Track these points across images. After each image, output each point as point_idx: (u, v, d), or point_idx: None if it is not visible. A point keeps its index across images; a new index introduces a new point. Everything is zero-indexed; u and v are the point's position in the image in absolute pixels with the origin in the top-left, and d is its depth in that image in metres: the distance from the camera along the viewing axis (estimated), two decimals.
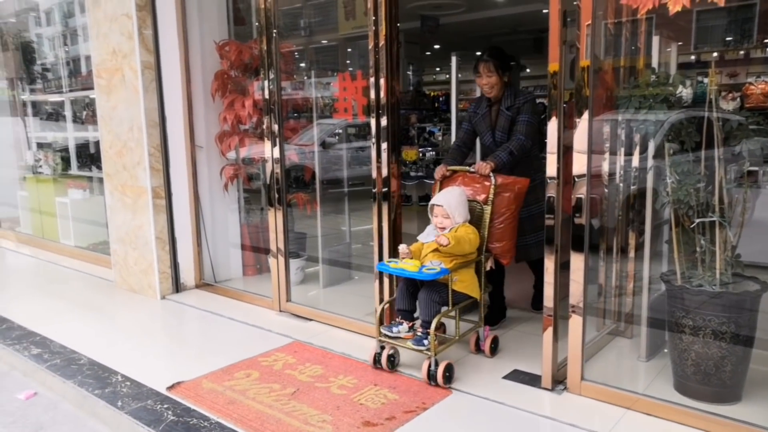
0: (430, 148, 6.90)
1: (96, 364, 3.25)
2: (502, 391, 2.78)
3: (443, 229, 3.01)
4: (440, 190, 3.30)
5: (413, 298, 3.02)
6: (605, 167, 3.24)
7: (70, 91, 6.50)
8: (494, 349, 3.21)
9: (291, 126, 4.57)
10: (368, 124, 3.40)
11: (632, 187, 3.16)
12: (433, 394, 2.75)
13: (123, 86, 4.29)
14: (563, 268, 2.75)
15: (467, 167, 3.31)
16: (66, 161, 6.45)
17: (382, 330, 2.98)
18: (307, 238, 4.81)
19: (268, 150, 3.98)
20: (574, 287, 2.68)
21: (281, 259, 3.99)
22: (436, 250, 2.98)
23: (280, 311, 4.02)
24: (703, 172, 2.60)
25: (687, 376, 2.63)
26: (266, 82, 3.89)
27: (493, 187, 3.15)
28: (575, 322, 2.68)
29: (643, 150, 3.02)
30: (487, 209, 3.15)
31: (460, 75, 4.77)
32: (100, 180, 5.20)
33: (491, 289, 3.52)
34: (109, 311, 4.23)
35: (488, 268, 3.21)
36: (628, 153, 3.09)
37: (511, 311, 3.85)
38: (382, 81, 3.33)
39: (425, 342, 2.84)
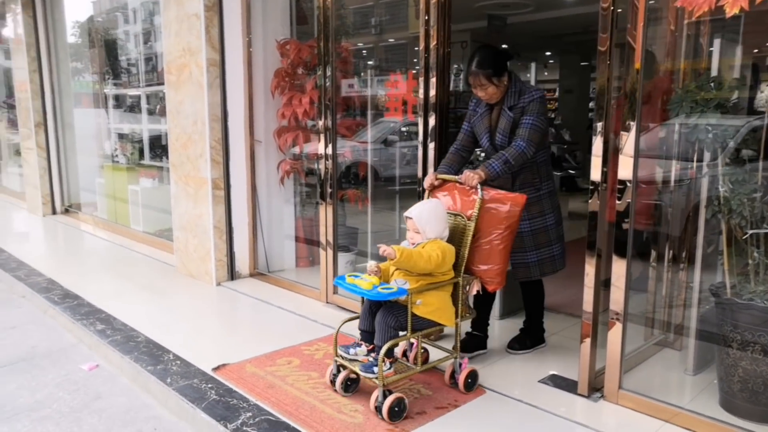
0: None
1: (152, 342, 3.46)
2: (536, 394, 2.76)
3: (414, 244, 2.68)
4: (431, 196, 2.99)
5: (374, 319, 2.69)
6: (655, 173, 3.14)
7: (147, 85, 6.89)
8: (470, 385, 2.78)
9: (347, 123, 4.68)
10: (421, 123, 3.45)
11: (685, 195, 3.05)
12: (466, 393, 2.77)
13: (190, 82, 4.52)
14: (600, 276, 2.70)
15: (457, 177, 2.87)
16: (140, 151, 6.85)
17: (339, 350, 2.71)
18: (359, 233, 4.90)
19: (321, 146, 4.09)
20: (616, 294, 2.62)
21: (330, 252, 4.09)
22: (405, 269, 2.64)
23: (327, 303, 4.14)
24: (760, 182, 2.49)
25: (733, 393, 2.52)
26: (323, 80, 4.01)
27: (478, 201, 2.72)
28: (615, 329, 2.62)
29: (698, 156, 2.91)
30: (470, 225, 2.74)
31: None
32: (168, 170, 5.50)
33: (475, 316, 3.00)
34: (169, 294, 4.48)
35: (473, 293, 2.84)
36: (682, 159, 2.99)
37: (556, 316, 3.80)
38: (432, 81, 3.37)
39: (374, 369, 2.51)
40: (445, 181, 2.95)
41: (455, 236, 2.78)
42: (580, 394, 2.73)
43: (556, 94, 14.63)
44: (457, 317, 2.74)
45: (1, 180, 10.28)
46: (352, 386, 2.76)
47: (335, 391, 2.76)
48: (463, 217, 2.79)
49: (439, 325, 2.70)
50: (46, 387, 3.11)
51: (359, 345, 2.68)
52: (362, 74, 5.53)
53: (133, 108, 7.31)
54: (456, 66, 11.03)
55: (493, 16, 9.55)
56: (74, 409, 2.87)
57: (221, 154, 4.50)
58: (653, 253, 3.29)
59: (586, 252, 2.70)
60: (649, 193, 3.17)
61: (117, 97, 7.46)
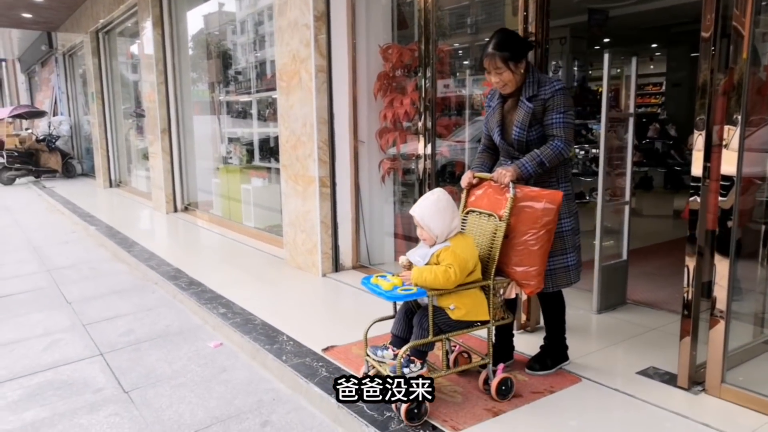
0: (587, 146, 6.75)
1: (267, 325, 3.82)
2: (634, 385, 2.79)
3: (426, 241, 2.59)
4: (466, 200, 2.87)
5: (409, 324, 2.63)
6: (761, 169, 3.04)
7: (257, 92, 7.44)
8: (504, 392, 2.65)
9: (444, 123, 4.85)
10: None
11: None
12: (562, 380, 2.85)
13: (299, 87, 4.89)
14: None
15: (491, 174, 2.75)
16: (251, 153, 7.40)
17: (368, 351, 2.69)
18: None
19: (421, 146, 4.29)
20: (719, 293, 2.60)
21: None
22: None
23: None
24: None
25: None
26: (423, 81, 4.21)
27: (510, 199, 2.58)
28: (718, 327, 2.60)
29: None
30: (501, 226, 2.61)
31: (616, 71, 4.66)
32: (277, 170, 5.94)
33: (511, 320, 2.85)
34: (279, 284, 4.87)
35: (511, 296, 2.70)
36: None
37: (657, 312, 3.76)
38: None
39: (404, 371, 2.49)
40: (482, 180, 2.83)
41: (486, 238, 2.69)
42: (679, 387, 2.73)
43: (663, 87, 13.95)
44: (489, 321, 2.63)
45: (131, 181, 11.41)
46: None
47: None
48: (495, 217, 2.66)
49: (477, 324, 2.61)
50: (180, 360, 3.54)
51: (386, 348, 2.65)
52: (458, 74, 5.69)
53: (244, 113, 7.90)
54: (554, 63, 10.87)
55: (594, 10, 9.33)
56: (204, 379, 3.26)
57: (328, 154, 4.83)
58: (762, 252, 3.18)
59: (686, 249, 2.69)
60: (755, 190, 3.07)
61: (229, 104, 8.10)
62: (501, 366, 2.69)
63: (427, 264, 2.54)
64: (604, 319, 3.71)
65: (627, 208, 3.96)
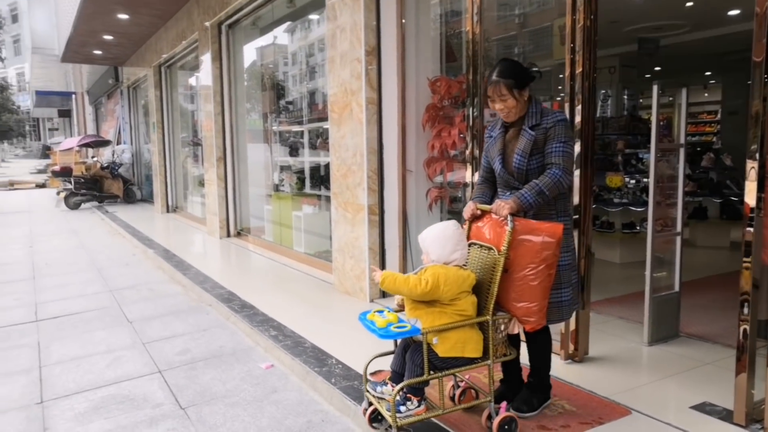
0: (637, 175, 6.66)
1: (316, 348, 3.92)
2: (687, 420, 2.74)
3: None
4: (468, 233, 2.83)
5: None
6: None
7: (308, 122, 7.70)
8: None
9: None
10: None
11: None
12: (611, 411, 2.83)
13: (350, 119, 5.07)
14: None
15: (490, 206, 2.71)
16: (302, 181, 7.63)
17: (367, 387, 2.73)
18: None
19: (468, 174, 4.36)
20: None
21: None
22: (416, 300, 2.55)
23: None
24: None
25: None
26: (470, 110, 4.30)
27: (508, 233, 2.53)
28: None
29: None
30: (500, 260, 2.54)
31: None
32: (327, 198, 6.11)
33: (515, 356, 2.82)
34: (328, 308, 4.98)
35: (514, 332, 2.66)
36: None
37: (712, 345, 3.66)
38: (577, 109, 3.49)
39: (401, 409, 2.50)
40: (484, 212, 2.78)
41: (486, 271, 2.63)
42: (736, 424, 2.66)
43: (718, 116, 13.59)
44: (488, 357, 2.58)
45: (187, 207, 11.88)
46: (384, 420, 2.72)
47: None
48: (495, 250, 2.60)
49: (475, 360, 2.56)
50: (233, 380, 3.67)
51: (386, 384, 2.66)
52: None
53: (295, 142, 8.17)
54: (603, 92, 10.79)
55: (644, 39, 9.27)
56: (256, 399, 3.38)
57: (377, 183, 4.96)
58: None
59: (740, 282, 2.65)
60: None
61: (281, 133, 8.39)
62: (504, 405, 2.64)
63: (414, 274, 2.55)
64: (655, 352, 3.65)
65: (678, 239, 3.90)
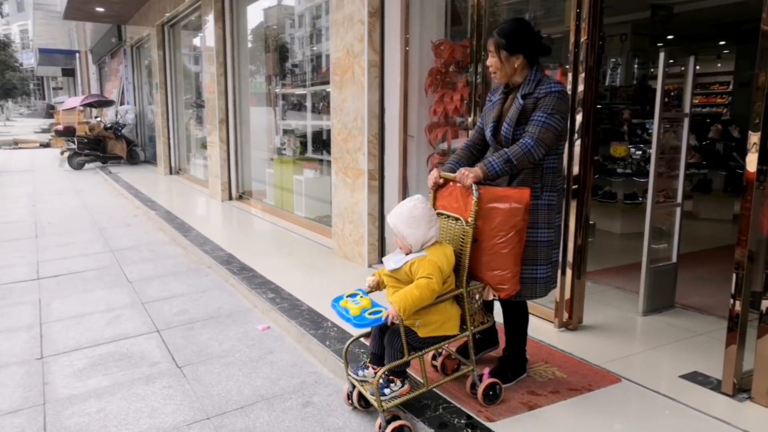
0: (643, 146, 6.58)
1: (313, 311, 3.95)
2: (676, 388, 2.77)
3: (401, 248, 2.53)
4: (434, 201, 2.76)
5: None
6: None
7: (312, 85, 7.61)
8: (492, 398, 2.61)
9: None
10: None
11: None
12: (601, 379, 2.85)
13: (352, 82, 4.99)
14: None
15: (454, 175, 2.60)
16: (304, 145, 7.58)
17: (349, 371, 2.70)
18: None
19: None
20: None
21: None
22: (394, 278, 2.53)
23: None
24: None
25: None
26: (474, 77, 4.23)
27: (474, 202, 2.47)
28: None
29: None
30: (468, 231, 2.49)
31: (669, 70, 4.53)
32: (328, 162, 6.08)
33: (492, 323, 2.80)
34: (326, 272, 5.00)
35: (489, 298, 2.63)
36: None
37: (706, 317, 3.68)
38: (580, 77, 3.43)
39: (385, 391, 2.48)
40: (447, 181, 2.69)
41: (455, 242, 2.58)
42: (724, 393, 2.69)
43: (730, 87, 13.37)
44: (467, 327, 2.58)
45: (189, 169, 11.86)
46: (370, 403, 2.66)
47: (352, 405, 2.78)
48: (462, 221, 2.55)
49: (448, 337, 2.56)
50: (229, 340, 3.71)
51: (366, 367, 2.64)
52: None
53: (299, 106, 8.09)
54: (613, 60, 10.59)
55: (657, 6, 9.05)
56: (252, 359, 3.42)
57: (377, 148, 4.92)
58: None
59: (735, 254, 2.64)
60: None
61: (284, 96, 8.31)
62: (486, 371, 2.65)
63: (397, 269, 2.47)
64: (649, 322, 3.66)
65: (678, 210, 3.88)
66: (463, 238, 2.54)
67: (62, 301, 4.52)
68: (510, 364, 2.85)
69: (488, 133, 2.76)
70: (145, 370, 3.31)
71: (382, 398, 2.47)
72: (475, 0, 4.16)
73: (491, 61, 2.67)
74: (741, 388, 2.68)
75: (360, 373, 2.65)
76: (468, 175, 2.48)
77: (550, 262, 2.69)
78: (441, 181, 2.72)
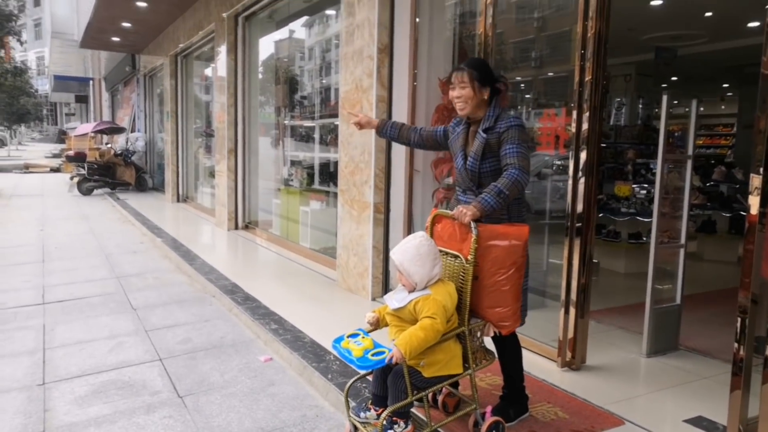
0: (647, 185, 6.62)
1: (315, 343, 3.95)
2: None
3: (405, 286, 2.52)
4: (432, 229, 2.77)
5: (386, 382, 2.52)
6: None
7: (320, 117, 7.73)
8: None
9: None
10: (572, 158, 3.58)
11: None
12: (604, 421, 2.83)
13: None
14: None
15: (452, 213, 2.62)
16: (311, 177, 7.66)
17: (350, 413, 2.63)
18: None
19: None
20: None
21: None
22: (397, 317, 2.53)
23: None
24: None
25: None
26: None
27: (474, 240, 2.48)
28: None
29: None
30: (469, 269, 2.50)
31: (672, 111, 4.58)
32: (335, 194, 6.13)
33: (494, 360, 2.76)
34: (330, 304, 5.01)
35: (489, 335, 2.64)
36: None
37: (710, 360, 3.65)
38: (585, 116, 3.48)
39: None
40: (444, 217, 2.72)
41: (455, 279, 2.58)
42: None
43: (734, 129, 13.46)
44: (469, 366, 2.56)
45: (197, 197, 11.96)
46: None
47: None
48: (462, 258, 2.55)
49: (452, 376, 2.53)
50: (231, 371, 3.71)
51: (368, 409, 2.61)
52: (519, 107, 5.74)
53: (307, 138, 8.20)
54: (618, 99, 10.73)
55: (661, 48, 9.20)
56: (253, 391, 3.41)
57: (383, 182, 4.98)
58: None
59: (739, 297, 2.64)
60: None
61: (293, 128, 8.42)
62: (489, 409, 2.65)
63: (401, 308, 2.47)
64: (653, 364, 3.64)
65: (682, 251, 3.89)
66: (463, 276, 2.55)
67: (66, 326, 4.53)
68: (511, 402, 2.84)
69: (459, 162, 2.85)
70: (146, 398, 3.30)
71: None
72: (481, 38, 4.27)
73: (463, 92, 2.76)
74: None
75: (362, 414, 2.61)
76: (466, 213, 2.51)
77: (524, 290, 2.71)
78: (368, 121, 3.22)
